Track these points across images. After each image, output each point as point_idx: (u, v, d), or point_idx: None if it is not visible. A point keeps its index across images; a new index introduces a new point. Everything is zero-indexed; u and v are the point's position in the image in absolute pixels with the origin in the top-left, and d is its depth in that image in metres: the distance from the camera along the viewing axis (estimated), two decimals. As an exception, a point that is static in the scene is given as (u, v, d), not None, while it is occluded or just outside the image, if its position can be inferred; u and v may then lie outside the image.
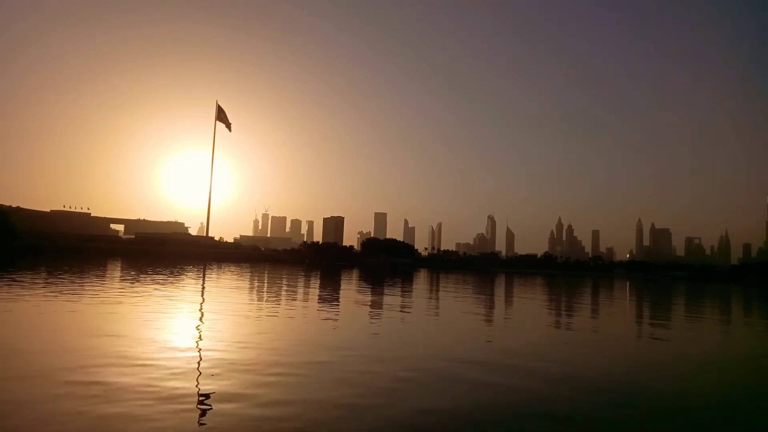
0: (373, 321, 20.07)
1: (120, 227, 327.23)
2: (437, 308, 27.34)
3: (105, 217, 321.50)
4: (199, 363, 10.58)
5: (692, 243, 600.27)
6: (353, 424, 7.27)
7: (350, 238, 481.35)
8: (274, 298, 28.35)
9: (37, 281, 30.11)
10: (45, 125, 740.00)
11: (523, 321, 23.60)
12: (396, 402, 8.46)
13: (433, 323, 20.64)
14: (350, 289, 40.71)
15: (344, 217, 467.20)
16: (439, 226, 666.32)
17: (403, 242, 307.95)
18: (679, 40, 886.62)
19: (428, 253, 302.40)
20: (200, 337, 13.84)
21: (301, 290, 36.16)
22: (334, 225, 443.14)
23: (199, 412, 7.42)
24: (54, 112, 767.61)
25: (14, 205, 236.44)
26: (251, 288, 36.37)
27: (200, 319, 17.58)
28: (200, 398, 8.07)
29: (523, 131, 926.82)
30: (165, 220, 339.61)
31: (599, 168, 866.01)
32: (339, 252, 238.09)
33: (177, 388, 8.52)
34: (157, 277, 41.77)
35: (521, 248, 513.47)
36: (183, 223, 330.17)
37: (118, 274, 45.01)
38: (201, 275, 50.19)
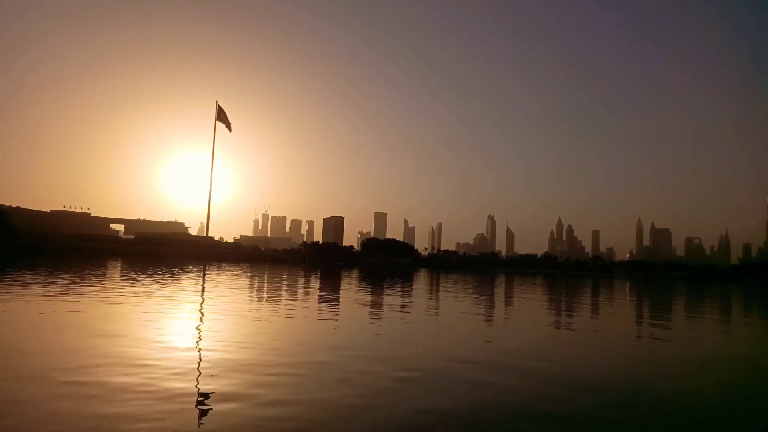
0: (373, 321, 20.07)
1: (120, 227, 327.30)
2: (437, 308, 27.34)
3: (105, 217, 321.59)
4: (199, 363, 10.58)
5: (692, 243, 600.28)
6: (353, 424, 7.28)
7: (350, 238, 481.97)
8: (274, 299, 28.36)
9: (37, 281, 30.11)
10: (45, 125, 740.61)
11: (523, 321, 23.60)
12: (396, 402, 8.46)
13: (433, 323, 20.64)
14: (350, 289, 40.71)
15: (344, 217, 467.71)
16: (439, 226, 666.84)
17: (403, 242, 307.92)
18: (679, 40, 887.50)
19: (428, 253, 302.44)
20: (200, 337, 13.84)
21: (301, 290, 36.16)
22: (334, 225, 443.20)
23: (199, 412, 7.42)
24: (54, 112, 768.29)
25: (14, 205, 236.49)
26: (251, 288, 36.37)
27: (200, 319, 17.58)
28: (200, 398, 8.07)
29: (523, 131, 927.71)
30: (165, 220, 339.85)
31: (599, 168, 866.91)
32: (339, 252, 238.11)
33: (177, 388, 8.52)
34: (157, 277, 41.77)
35: (521, 248, 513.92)
36: (183, 223, 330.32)
37: (118, 274, 45.01)
38: (201, 275, 50.19)
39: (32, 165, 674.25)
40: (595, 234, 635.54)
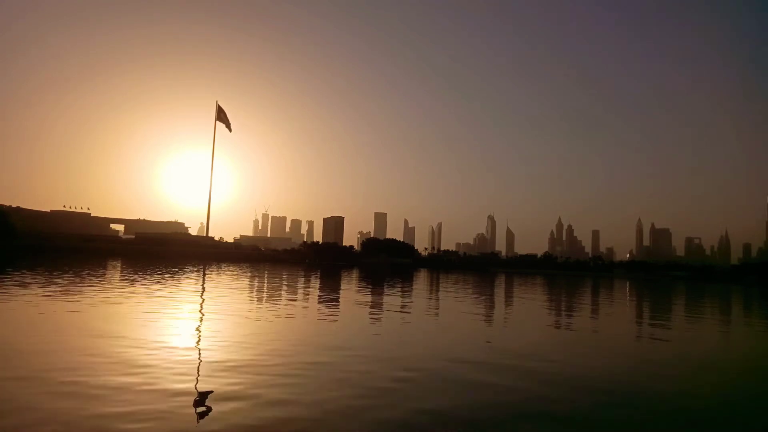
0: (373, 321, 20.07)
1: (120, 227, 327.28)
2: (437, 308, 27.34)
3: (105, 217, 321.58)
4: (199, 363, 10.58)
5: (692, 243, 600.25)
6: (353, 424, 7.28)
7: (350, 238, 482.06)
8: (274, 299, 28.36)
9: (37, 281, 30.11)
10: (45, 125, 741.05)
11: (523, 321, 23.60)
12: (396, 402, 8.46)
13: (433, 323, 20.64)
14: (350, 289, 40.71)
15: (344, 217, 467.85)
16: (439, 226, 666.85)
17: (403, 242, 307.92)
18: (679, 40, 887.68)
19: (428, 253, 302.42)
20: (200, 338, 13.84)
21: (301, 290, 36.16)
22: (334, 225, 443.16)
23: (199, 412, 7.42)
24: (54, 112, 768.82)
25: (14, 205, 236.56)
26: (251, 288, 36.37)
27: (200, 320, 17.58)
28: (200, 398, 8.07)
29: (523, 131, 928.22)
30: (165, 220, 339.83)
31: (599, 168, 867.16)
32: (339, 252, 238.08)
33: (177, 389, 8.52)
34: (157, 277, 41.77)
35: (521, 248, 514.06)
36: (183, 223, 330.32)
37: (118, 274, 45.00)
38: (201, 275, 50.19)
39: (32, 165, 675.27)
40: (595, 234, 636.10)
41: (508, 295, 43.54)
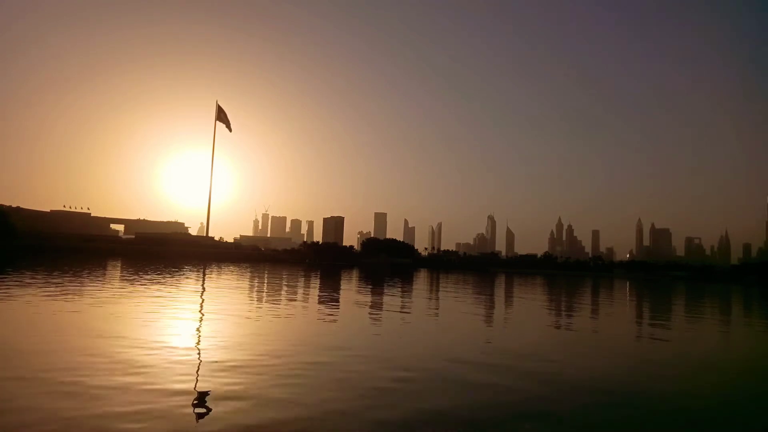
0: (373, 321, 20.07)
1: (120, 227, 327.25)
2: (437, 308, 27.34)
3: (105, 217, 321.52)
4: (199, 363, 10.58)
5: (692, 243, 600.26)
6: (353, 425, 7.28)
7: (350, 238, 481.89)
8: (274, 299, 28.37)
9: (37, 281, 30.11)
10: (45, 125, 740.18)
11: (523, 321, 23.60)
12: (396, 402, 8.47)
13: (433, 324, 20.64)
14: (350, 289, 40.71)
15: (344, 217, 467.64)
16: (439, 226, 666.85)
17: (403, 242, 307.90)
18: (679, 40, 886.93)
19: (428, 253, 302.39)
20: (200, 338, 13.84)
21: (301, 290, 36.16)
22: (334, 225, 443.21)
23: (199, 412, 7.42)
24: (54, 112, 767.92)
25: (14, 205, 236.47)
26: (251, 288, 36.38)
27: (200, 320, 17.59)
28: (200, 398, 8.07)
29: (523, 131, 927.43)
30: (165, 220, 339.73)
31: (599, 168, 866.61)
32: (339, 252, 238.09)
33: (177, 389, 8.52)
34: (157, 277, 41.77)
35: (521, 248, 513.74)
36: (183, 223, 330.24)
37: (118, 274, 45.01)
38: (201, 275, 50.19)
39: (32, 165, 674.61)
40: (595, 234, 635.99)
41: (508, 295, 43.55)
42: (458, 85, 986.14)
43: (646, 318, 29.44)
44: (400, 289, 42.71)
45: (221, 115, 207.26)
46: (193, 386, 8.75)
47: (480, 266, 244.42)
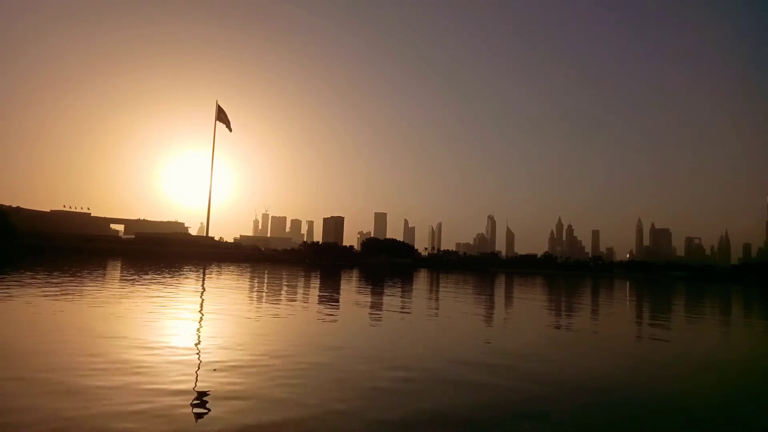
0: (373, 321, 20.07)
1: (120, 227, 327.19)
2: (437, 309, 27.34)
3: (105, 217, 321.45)
4: (199, 363, 10.58)
5: (692, 243, 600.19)
6: (353, 424, 7.28)
7: (350, 238, 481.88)
8: (274, 299, 28.36)
9: (37, 281, 30.11)
10: (45, 125, 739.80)
11: (522, 321, 23.60)
12: (396, 402, 8.47)
13: (433, 324, 20.64)
14: (350, 289, 40.71)
15: (344, 217, 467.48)
16: (439, 226, 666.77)
17: (403, 242, 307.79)
18: (679, 40, 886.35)
19: (428, 253, 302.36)
20: (200, 338, 13.85)
21: (301, 290, 36.16)
22: (334, 225, 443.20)
23: (199, 412, 7.42)
24: (54, 112, 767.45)
25: (14, 205, 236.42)
26: (251, 288, 36.38)
27: (200, 320, 17.59)
28: (200, 398, 8.07)
29: (523, 131, 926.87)
30: (165, 220, 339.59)
31: (599, 168, 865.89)
32: (339, 252, 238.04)
33: (177, 389, 8.52)
34: (157, 277, 41.78)
35: (521, 248, 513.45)
36: (183, 223, 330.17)
37: (118, 274, 45.02)
38: (201, 275, 50.20)
39: (32, 165, 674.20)
40: (595, 234, 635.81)
41: (508, 296, 43.55)
42: (458, 85, 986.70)
43: (646, 318, 29.44)
44: (400, 289, 42.71)
45: (221, 115, 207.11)
46: (193, 386, 8.75)
47: (480, 266, 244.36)
